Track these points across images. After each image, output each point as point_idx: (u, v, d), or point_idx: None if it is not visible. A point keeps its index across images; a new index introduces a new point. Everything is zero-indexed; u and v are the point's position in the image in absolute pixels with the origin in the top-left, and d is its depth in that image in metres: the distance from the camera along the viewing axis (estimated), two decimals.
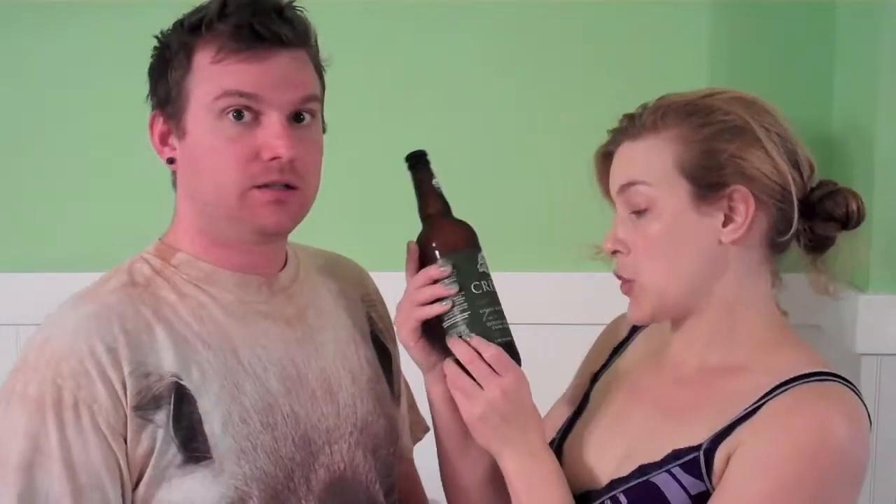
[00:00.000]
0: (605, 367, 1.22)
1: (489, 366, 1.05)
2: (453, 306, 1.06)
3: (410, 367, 1.18)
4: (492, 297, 1.08)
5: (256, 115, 1.02)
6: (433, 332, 1.08)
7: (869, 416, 1.02)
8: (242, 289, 1.08)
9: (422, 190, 1.11)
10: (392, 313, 1.19)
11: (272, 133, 1.01)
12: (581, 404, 1.20)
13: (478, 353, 1.05)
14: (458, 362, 1.06)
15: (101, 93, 1.70)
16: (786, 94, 1.63)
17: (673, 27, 1.68)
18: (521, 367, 1.07)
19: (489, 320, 1.06)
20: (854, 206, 1.05)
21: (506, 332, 1.08)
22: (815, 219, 1.06)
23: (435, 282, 1.07)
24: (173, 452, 0.99)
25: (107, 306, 1.01)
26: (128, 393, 0.98)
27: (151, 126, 1.06)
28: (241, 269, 1.08)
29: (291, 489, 1.03)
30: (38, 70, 1.73)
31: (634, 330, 1.21)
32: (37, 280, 1.71)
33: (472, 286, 1.07)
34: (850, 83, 1.61)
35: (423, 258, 1.09)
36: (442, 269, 1.07)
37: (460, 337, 1.06)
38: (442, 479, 1.20)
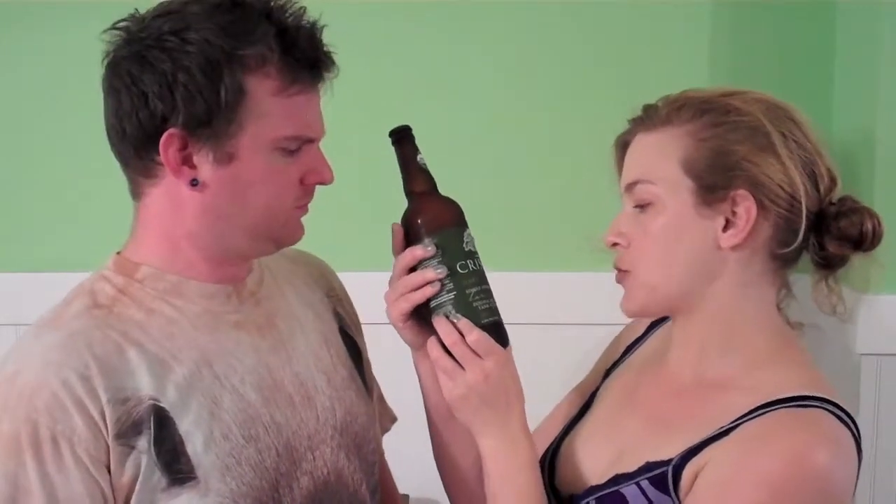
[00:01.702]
0: (616, 364, 1.21)
1: (473, 349, 1.04)
2: (441, 287, 1.06)
3: (376, 357, 1.18)
4: (479, 276, 1.07)
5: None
6: (421, 312, 1.08)
7: (858, 443, 0.98)
8: (210, 299, 1.05)
9: (406, 166, 1.10)
10: (368, 312, 1.21)
11: (320, 160, 1.05)
12: (589, 402, 1.20)
13: (462, 336, 1.05)
14: (442, 342, 1.06)
15: (101, 92, 1.70)
16: (786, 94, 1.63)
17: (673, 27, 1.68)
18: (508, 347, 1.07)
19: (475, 300, 1.06)
20: (869, 227, 1.01)
21: (492, 311, 1.07)
22: (827, 235, 1.02)
23: (421, 261, 1.07)
24: (157, 477, 0.96)
25: (73, 333, 0.97)
26: (107, 422, 0.95)
27: (167, 145, 0.97)
28: (210, 278, 1.06)
29: (276, 500, 1.02)
30: (38, 70, 1.73)
31: (651, 328, 1.20)
32: (37, 280, 1.71)
33: (458, 265, 1.06)
34: (851, 83, 1.61)
35: (409, 236, 1.09)
36: (427, 248, 1.07)
37: (447, 317, 1.06)
38: (435, 458, 1.20)
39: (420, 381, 1.16)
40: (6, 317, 1.68)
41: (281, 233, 1.05)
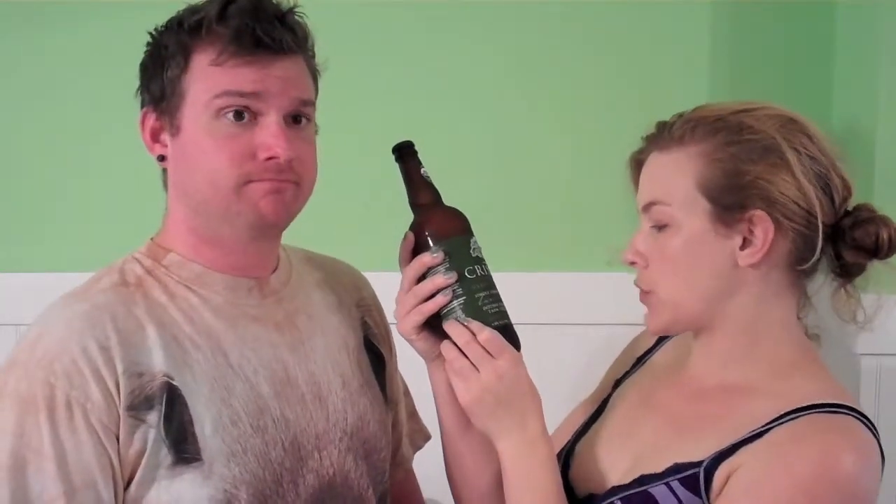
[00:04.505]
0: (628, 374, 1.22)
1: (485, 349, 1.05)
2: (451, 293, 1.06)
3: (413, 375, 1.18)
4: (487, 281, 1.08)
5: (254, 116, 1.02)
6: (432, 321, 1.08)
7: (881, 451, 1.00)
8: (233, 291, 1.07)
9: (411, 180, 1.11)
10: (389, 314, 1.19)
11: (270, 133, 1.01)
12: (600, 408, 1.20)
13: (474, 336, 1.05)
14: (455, 345, 1.06)
15: (100, 92, 1.70)
16: (786, 94, 1.63)
17: (673, 27, 1.68)
18: (520, 351, 1.07)
19: (485, 304, 1.07)
20: (885, 236, 1.02)
21: (502, 314, 1.08)
22: (843, 245, 1.03)
23: (429, 269, 1.07)
24: (164, 453, 0.98)
25: (98, 305, 1.01)
26: (121, 392, 0.97)
27: (143, 122, 1.06)
28: (233, 270, 1.07)
29: (280, 494, 1.03)
30: (37, 69, 1.73)
31: (661, 340, 1.21)
32: (37, 280, 1.70)
33: (467, 271, 1.07)
34: (850, 83, 1.61)
35: (417, 247, 1.10)
36: (435, 255, 1.07)
37: (457, 321, 1.06)
38: (448, 476, 1.19)
39: (434, 392, 1.15)
40: (6, 317, 1.68)
41: (236, 209, 1.02)
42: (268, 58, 1.01)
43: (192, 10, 1.03)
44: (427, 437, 1.30)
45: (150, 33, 1.06)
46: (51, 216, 1.76)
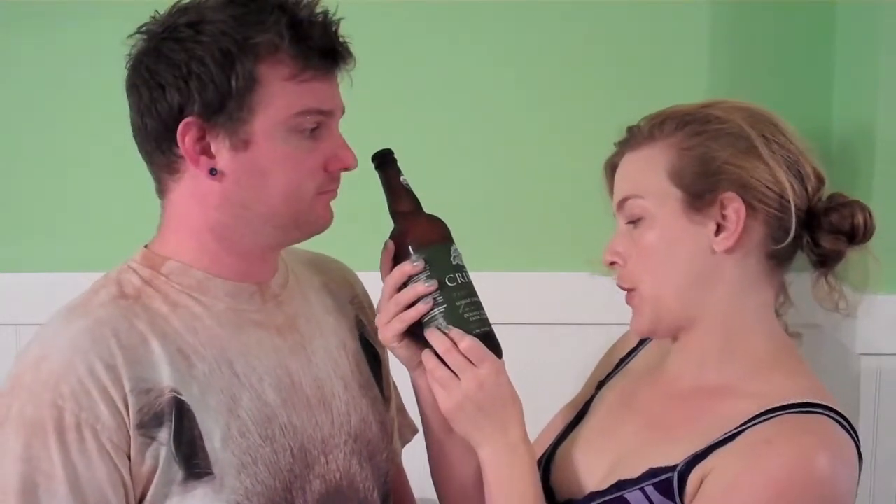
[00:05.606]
0: (610, 376, 1.22)
1: (466, 357, 1.05)
2: (432, 301, 1.07)
3: (399, 369, 1.18)
4: (467, 289, 1.08)
5: (319, 129, 1.03)
6: (414, 330, 1.09)
7: (859, 452, 0.99)
8: (234, 297, 1.06)
9: (391, 188, 1.11)
10: None
11: (341, 145, 1.05)
12: (583, 411, 1.20)
13: (454, 344, 1.05)
14: (436, 353, 1.06)
15: (101, 92, 1.70)
16: (786, 94, 1.64)
17: (673, 27, 1.68)
18: (502, 359, 1.07)
19: (465, 312, 1.07)
20: (861, 220, 1.03)
21: (483, 322, 1.08)
22: (819, 231, 1.04)
23: (410, 277, 1.07)
24: (175, 469, 0.97)
25: (100, 321, 0.99)
26: (130, 411, 0.96)
27: (184, 134, 0.99)
28: (237, 276, 1.07)
29: (289, 501, 1.03)
30: (37, 70, 1.73)
31: (642, 342, 1.21)
32: (37, 280, 1.71)
33: (447, 279, 1.07)
34: (850, 83, 1.61)
35: (397, 255, 1.10)
36: (415, 263, 1.07)
37: (439, 329, 1.06)
38: (432, 477, 1.20)
39: (417, 399, 1.15)
40: (6, 317, 1.68)
41: (306, 219, 1.05)
42: (334, 73, 1.04)
43: (246, 22, 0.99)
44: (415, 431, 1.30)
45: (189, 41, 0.99)
46: (51, 216, 1.76)
